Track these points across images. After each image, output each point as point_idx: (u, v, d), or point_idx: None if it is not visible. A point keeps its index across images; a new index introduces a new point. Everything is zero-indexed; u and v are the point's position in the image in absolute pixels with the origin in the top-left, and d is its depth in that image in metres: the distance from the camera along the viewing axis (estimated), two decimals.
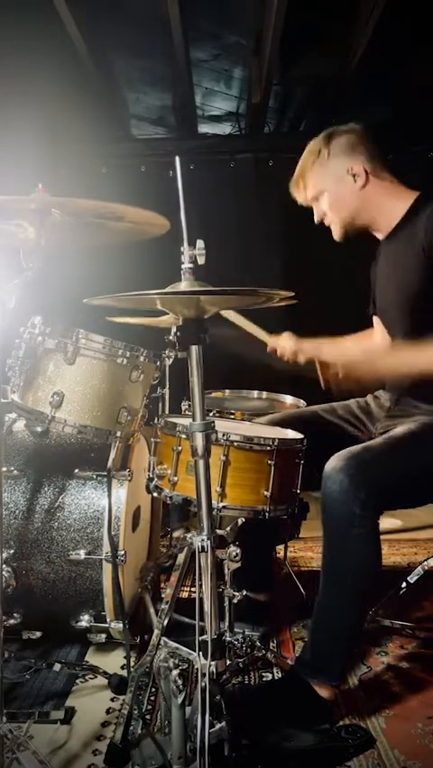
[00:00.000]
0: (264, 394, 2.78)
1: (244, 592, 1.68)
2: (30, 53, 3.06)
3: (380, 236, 1.96)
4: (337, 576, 1.67)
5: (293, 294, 1.33)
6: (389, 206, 1.88)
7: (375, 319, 2.18)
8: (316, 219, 1.98)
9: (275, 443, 1.70)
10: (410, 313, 1.87)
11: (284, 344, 2.15)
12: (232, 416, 2.33)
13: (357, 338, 2.26)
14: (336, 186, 1.89)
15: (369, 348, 2.18)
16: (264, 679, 1.88)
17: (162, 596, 1.61)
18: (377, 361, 1.91)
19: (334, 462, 1.66)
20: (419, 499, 1.85)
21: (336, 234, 1.96)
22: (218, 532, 1.57)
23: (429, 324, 1.80)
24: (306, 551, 2.85)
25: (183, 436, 1.70)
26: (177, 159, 1.42)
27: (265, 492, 1.69)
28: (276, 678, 1.87)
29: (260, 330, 2.25)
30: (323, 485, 1.65)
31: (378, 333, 2.18)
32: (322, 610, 1.70)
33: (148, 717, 1.69)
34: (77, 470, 1.93)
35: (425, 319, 1.82)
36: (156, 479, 1.78)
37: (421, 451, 1.74)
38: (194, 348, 1.32)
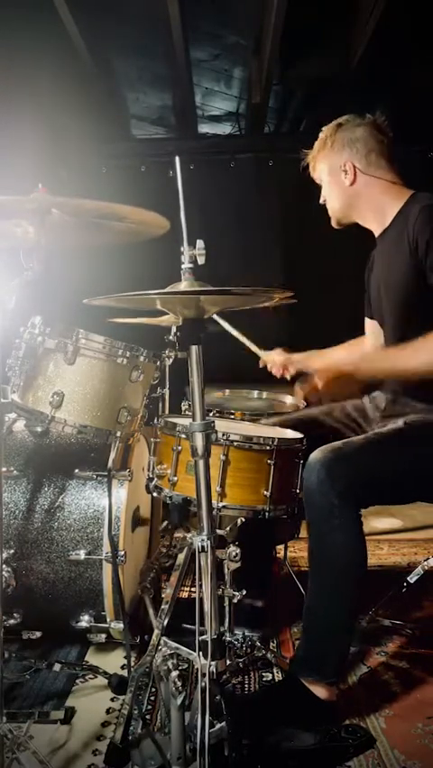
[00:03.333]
0: (264, 394, 2.78)
1: (244, 592, 1.68)
2: (30, 53, 3.07)
3: (375, 234, 1.97)
4: (323, 569, 1.68)
5: (293, 294, 1.34)
6: (381, 204, 1.89)
7: (367, 323, 2.18)
8: (320, 201, 2.02)
9: (275, 443, 1.70)
10: (403, 311, 1.87)
11: (274, 359, 2.16)
12: (232, 416, 2.33)
13: (348, 347, 2.26)
14: (330, 177, 1.94)
15: (355, 354, 2.19)
16: (264, 679, 1.87)
17: (162, 596, 1.61)
18: (359, 366, 1.89)
19: (314, 455, 1.68)
20: (402, 496, 1.84)
21: (332, 221, 2.01)
22: (218, 532, 1.57)
23: (421, 323, 1.81)
24: (306, 551, 2.84)
25: (183, 436, 1.70)
26: (177, 159, 1.42)
27: (265, 492, 1.69)
28: (276, 678, 1.87)
29: (254, 345, 2.26)
30: (304, 477, 1.68)
31: (369, 338, 2.18)
32: (312, 606, 1.71)
33: (148, 717, 1.69)
34: (77, 470, 1.93)
35: (416, 317, 1.82)
36: (156, 478, 1.78)
37: (404, 447, 1.75)
38: (194, 348, 1.32)
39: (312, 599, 1.70)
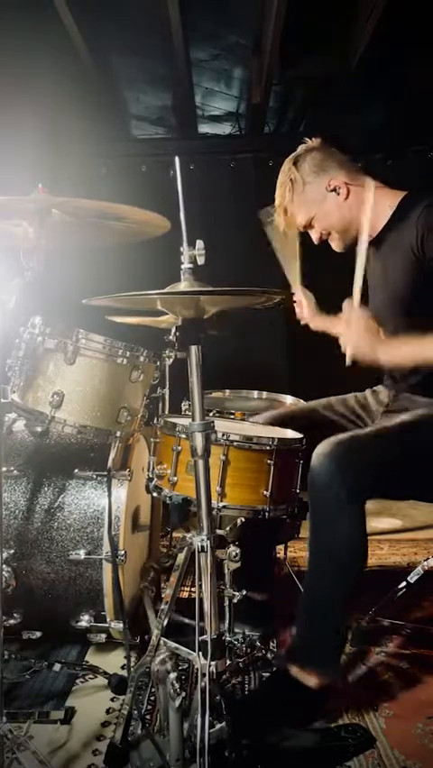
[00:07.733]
0: (264, 394, 2.78)
1: (244, 592, 1.68)
2: (30, 53, 3.07)
3: (369, 239, 1.95)
4: (325, 560, 1.69)
5: (293, 293, 1.34)
6: (374, 210, 1.87)
7: None
8: (315, 241, 1.98)
9: (274, 443, 1.70)
10: (400, 313, 1.87)
11: (303, 312, 2.08)
12: (232, 416, 2.33)
13: None
14: (321, 207, 1.89)
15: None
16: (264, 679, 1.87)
17: (162, 596, 1.61)
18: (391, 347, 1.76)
19: (322, 448, 1.68)
20: (407, 490, 1.84)
21: (337, 248, 1.96)
22: (218, 532, 1.57)
23: (419, 325, 1.80)
24: (306, 551, 2.85)
25: (183, 436, 1.70)
26: (176, 159, 1.42)
27: (265, 492, 1.69)
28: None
29: (296, 275, 2.15)
30: (311, 469, 1.68)
31: None
32: (310, 595, 1.72)
33: (148, 717, 1.69)
34: (77, 470, 1.93)
35: (414, 319, 1.82)
36: (156, 478, 1.78)
37: (411, 441, 1.75)
38: (193, 348, 1.32)
39: (310, 588, 1.72)
